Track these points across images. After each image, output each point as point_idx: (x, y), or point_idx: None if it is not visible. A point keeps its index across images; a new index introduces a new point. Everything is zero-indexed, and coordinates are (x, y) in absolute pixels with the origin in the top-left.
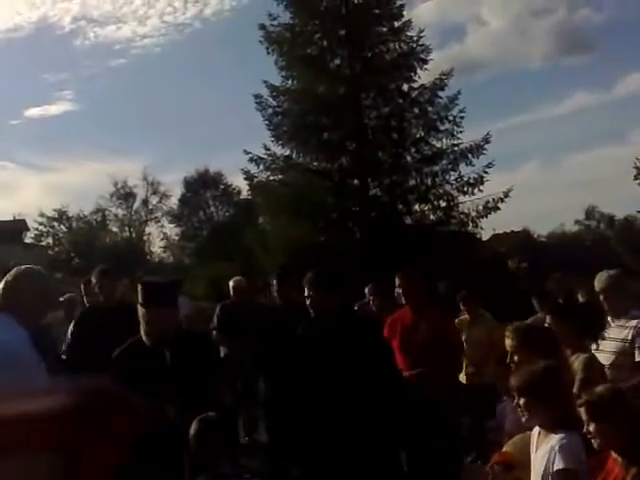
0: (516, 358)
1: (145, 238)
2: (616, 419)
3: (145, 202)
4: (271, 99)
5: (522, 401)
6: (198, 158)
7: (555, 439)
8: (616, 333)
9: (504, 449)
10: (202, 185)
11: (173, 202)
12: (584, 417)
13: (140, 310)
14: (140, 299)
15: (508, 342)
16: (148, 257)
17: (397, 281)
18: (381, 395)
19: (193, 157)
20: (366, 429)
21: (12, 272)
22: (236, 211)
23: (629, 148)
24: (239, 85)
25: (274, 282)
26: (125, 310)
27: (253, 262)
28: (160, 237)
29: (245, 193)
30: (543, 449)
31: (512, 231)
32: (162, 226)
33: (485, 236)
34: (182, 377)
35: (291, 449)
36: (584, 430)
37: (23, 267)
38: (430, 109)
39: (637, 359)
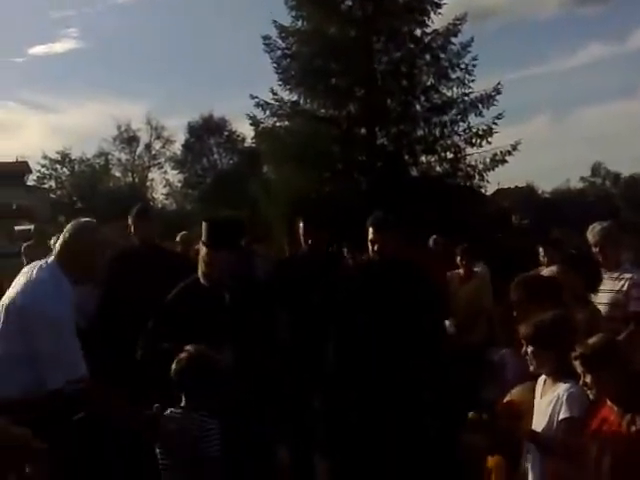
0: (522, 309)
1: (148, 184)
2: (611, 368)
3: (148, 147)
4: (280, 40)
5: (531, 349)
6: (203, 102)
7: (562, 388)
8: (610, 285)
9: (507, 398)
10: (206, 131)
11: (177, 147)
12: (579, 369)
13: (201, 249)
14: (203, 238)
15: (513, 295)
16: (151, 203)
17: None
18: (419, 348)
19: (198, 101)
20: (402, 380)
21: (70, 226)
22: (240, 159)
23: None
24: (248, 25)
25: (287, 234)
26: (158, 251)
27: (257, 211)
28: (163, 184)
29: (249, 141)
30: (549, 396)
31: (516, 186)
32: (165, 172)
33: (489, 191)
34: (241, 320)
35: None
36: (580, 382)
37: (81, 221)
38: (442, 56)
39: (631, 309)
